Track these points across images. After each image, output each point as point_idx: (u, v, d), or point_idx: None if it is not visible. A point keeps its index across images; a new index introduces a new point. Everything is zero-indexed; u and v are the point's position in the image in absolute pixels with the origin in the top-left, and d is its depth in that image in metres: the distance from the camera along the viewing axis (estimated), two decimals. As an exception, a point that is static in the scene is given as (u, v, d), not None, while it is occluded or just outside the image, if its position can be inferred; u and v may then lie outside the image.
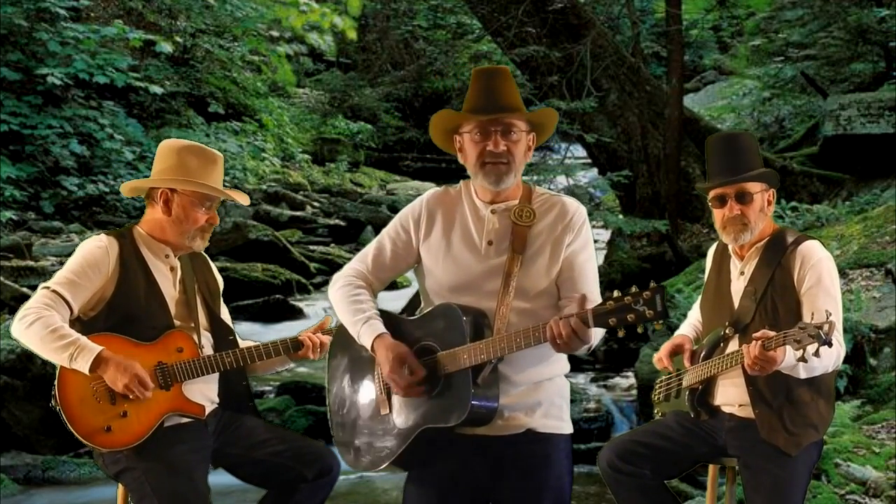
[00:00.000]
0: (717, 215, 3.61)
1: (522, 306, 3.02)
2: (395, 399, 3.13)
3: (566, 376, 3.23)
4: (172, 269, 3.58)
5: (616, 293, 2.80)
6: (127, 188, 3.70)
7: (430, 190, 3.31)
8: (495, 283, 3.06)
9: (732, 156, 3.58)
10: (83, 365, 3.27)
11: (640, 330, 2.76)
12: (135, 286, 3.46)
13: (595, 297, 3.03)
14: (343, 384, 3.29)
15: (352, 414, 3.25)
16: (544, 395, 3.12)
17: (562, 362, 3.17)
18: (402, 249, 3.23)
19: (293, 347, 3.61)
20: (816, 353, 3.08)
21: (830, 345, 3.06)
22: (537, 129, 3.19)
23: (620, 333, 2.82)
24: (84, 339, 3.31)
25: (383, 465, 3.13)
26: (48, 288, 3.38)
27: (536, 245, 3.10)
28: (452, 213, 3.19)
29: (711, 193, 3.60)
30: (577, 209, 3.17)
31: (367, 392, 3.20)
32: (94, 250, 3.45)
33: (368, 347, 3.13)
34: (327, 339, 3.57)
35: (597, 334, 2.95)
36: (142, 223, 3.59)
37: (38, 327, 3.29)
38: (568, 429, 3.18)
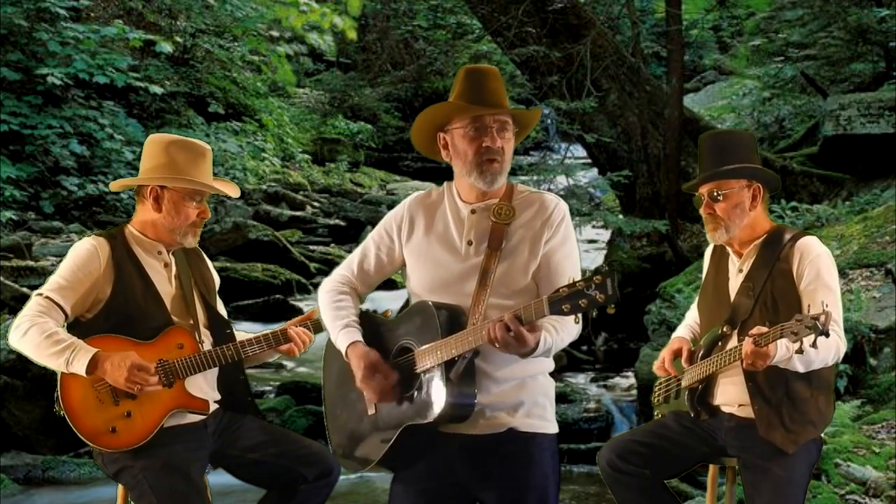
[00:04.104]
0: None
1: (501, 303, 3.00)
2: None
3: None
4: (166, 265, 3.57)
5: (569, 279, 2.80)
6: (117, 185, 3.72)
7: (413, 193, 3.32)
8: (475, 283, 3.05)
9: (713, 156, 3.61)
10: (80, 367, 3.28)
11: (593, 315, 2.76)
12: (130, 286, 3.46)
13: None
14: (335, 388, 3.32)
15: (343, 416, 3.27)
16: (527, 394, 3.10)
17: (546, 360, 3.14)
18: (386, 254, 3.25)
19: (284, 339, 3.63)
20: (814, 345, 3.08)
21: (828, 335, 3.06)
22: (520, 131, 3.20)
23: (576, 321, 2.83)
24: (80, 342, 3.32)
25: (370, 466, 3.14)
26: (41, 294, 3.40)
27: (514, 241, 3.09)
28: (434, 216, 3.19)
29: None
30: (557, 205, 3.14)
31: (356, 394, 3.21)
32: (83, 253, 3.46)
33: (343, 355, 3.17)
34: (309, 337, 3.62)
35: (552, 337, 2.96)
36: (133, 222, 3.60)
37: (33, 334, 3.30)
38: (552, 428, 3.17)
